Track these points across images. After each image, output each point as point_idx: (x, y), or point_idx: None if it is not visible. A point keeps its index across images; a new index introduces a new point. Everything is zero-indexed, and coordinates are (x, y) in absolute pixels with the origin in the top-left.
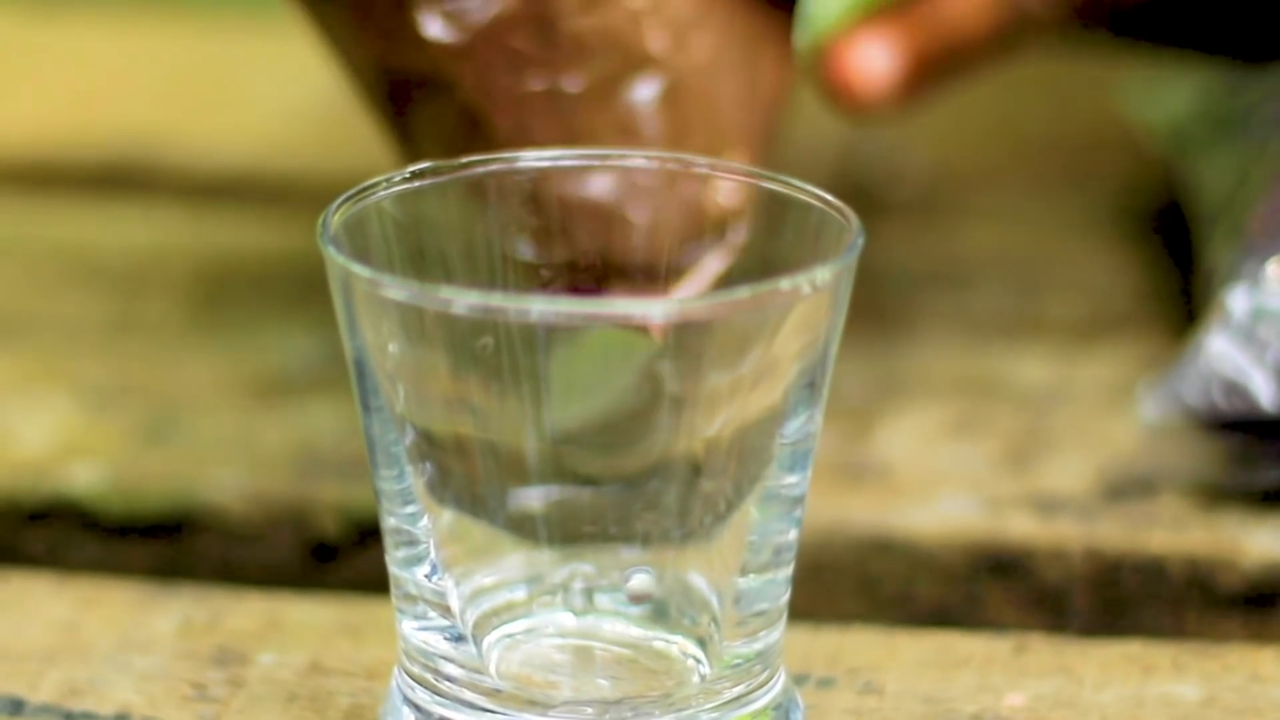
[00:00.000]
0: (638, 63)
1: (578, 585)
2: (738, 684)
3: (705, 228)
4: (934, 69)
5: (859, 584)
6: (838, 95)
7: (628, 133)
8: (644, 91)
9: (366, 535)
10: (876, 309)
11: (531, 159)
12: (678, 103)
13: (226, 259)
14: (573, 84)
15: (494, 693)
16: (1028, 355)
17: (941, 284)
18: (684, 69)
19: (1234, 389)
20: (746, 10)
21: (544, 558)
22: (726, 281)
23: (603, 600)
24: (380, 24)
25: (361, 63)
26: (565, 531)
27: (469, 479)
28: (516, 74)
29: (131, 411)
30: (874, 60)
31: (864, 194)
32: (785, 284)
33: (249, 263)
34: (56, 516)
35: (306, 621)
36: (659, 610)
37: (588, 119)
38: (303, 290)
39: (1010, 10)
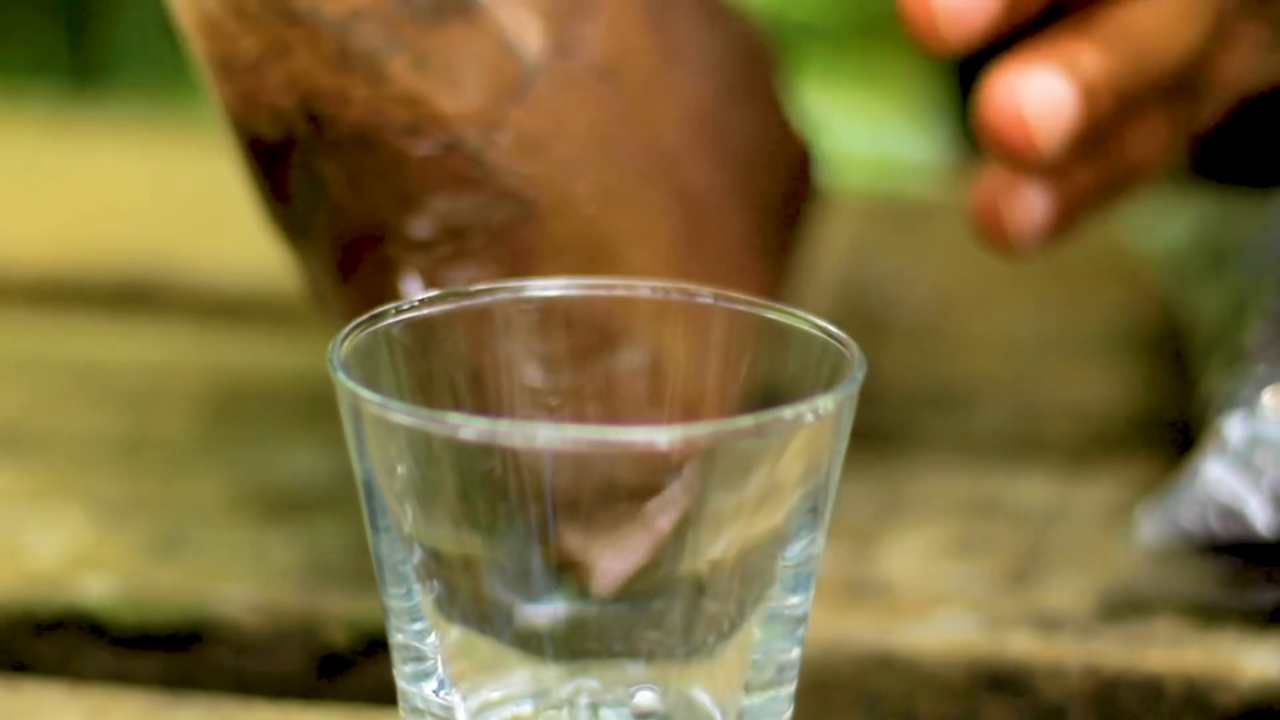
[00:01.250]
0: (619, 337)
1: (583, 701)
2: None
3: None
4: (1104, 201)
5: (861, 700)
6: (995, 237)
7: (603, 397)
8: (624, 362)
9: (375, 647)
10: (878, 430)
11: (539, 287)
12: (648, 337)
13: (238, 376)
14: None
15: None
16: (1027, 477)
17: (942, 406)
18: (666, 343)
19: (1230, 514)
20: (743, 275)
21: (550, 673)
22: (735, 410)
23: (608, 716)
24: (363, 286)
25: (344, 317)
26: (571, 648)
27: (476, 596)
28: None
29: (143, 525)
30: (1033, 209)
31: (866, 318)
32: (789, 413)
33: (260, 380)
34: (69, 627)
35: None
36: None
37: (561, 345)
38: (312, 407)
39: (1185, 131)
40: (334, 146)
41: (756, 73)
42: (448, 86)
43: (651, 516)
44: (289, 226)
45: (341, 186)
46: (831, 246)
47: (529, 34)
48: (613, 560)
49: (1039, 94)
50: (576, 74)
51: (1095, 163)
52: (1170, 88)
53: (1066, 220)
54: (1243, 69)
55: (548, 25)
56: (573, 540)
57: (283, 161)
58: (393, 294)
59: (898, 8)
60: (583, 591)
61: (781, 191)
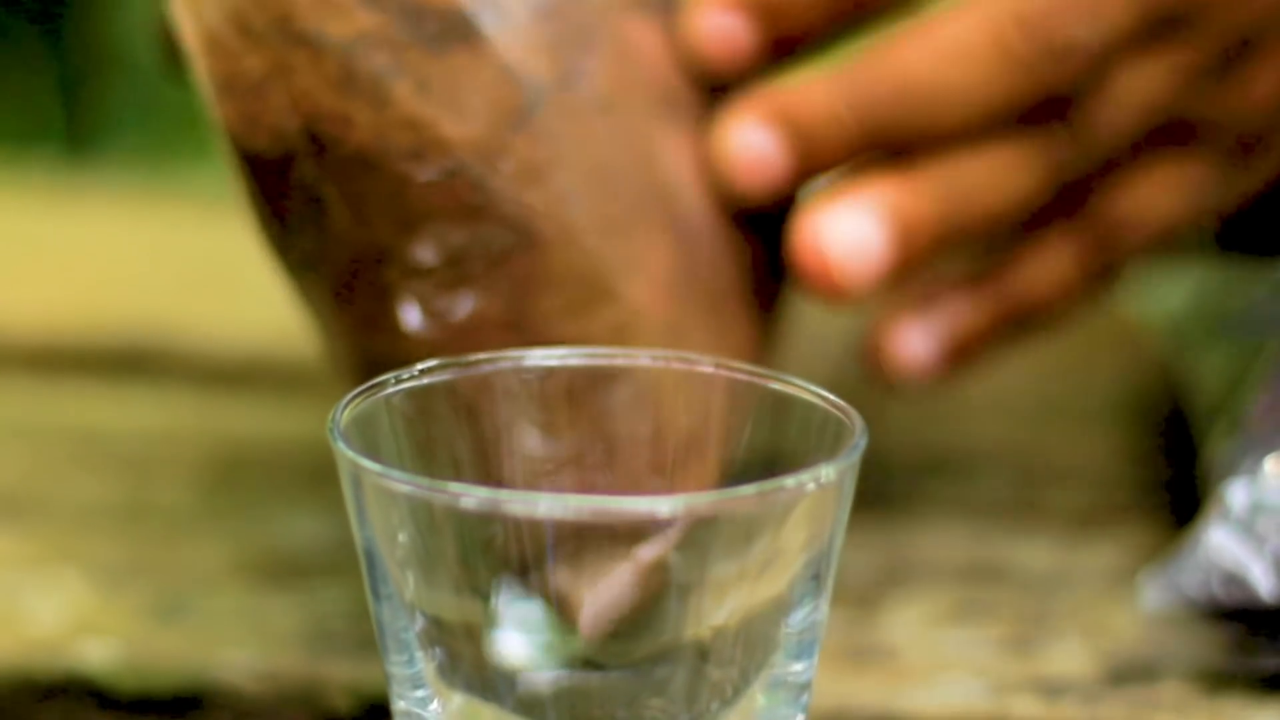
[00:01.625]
0: (619, 406)
1: None
2: None
3: None
4: (1000, 340)
5: None
6: (880, 371)
7: (596, 425)
8: (625, 430)
9: (377, 714)
10: (881, 495)
11: (539, 357)
12: (642, 406)
13: (237, 442)
14: (553, 448)
15: None
16: (1030, 542)
17: (944, 471)
18: (667, 411)
19: (1233, 580)
20: (735, 318)
21: None
22: (736, 477)
23: None
24: (361, 310)
25: (341, 342)
26: (574, 715)
27: (478, 664)
28: None
29: (144, 590)
30: (914, 345)
31: (867, 385)
32: (790, 482)
33: (260, 446)
34: (69, 693)
35: None
36: None
37: (562, 414)
38: (312, 473)
39: (1097, 272)
40: (335, 169)
41: None
42: (451, 112)
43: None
44: (287, 250)
45: (342, 209)
46: (831, 315)
47: (532, 65)
48: (597, 597)
49: (844, 235)
50: (578, 106)
51: (987, 302)
52: (1072, 230)
53: (958, 358)
54: (1163, 209)
55: (551, 57)
56: (561, 580)
57: (283, 183)
58: (391, 319)
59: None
60: (570, 630)
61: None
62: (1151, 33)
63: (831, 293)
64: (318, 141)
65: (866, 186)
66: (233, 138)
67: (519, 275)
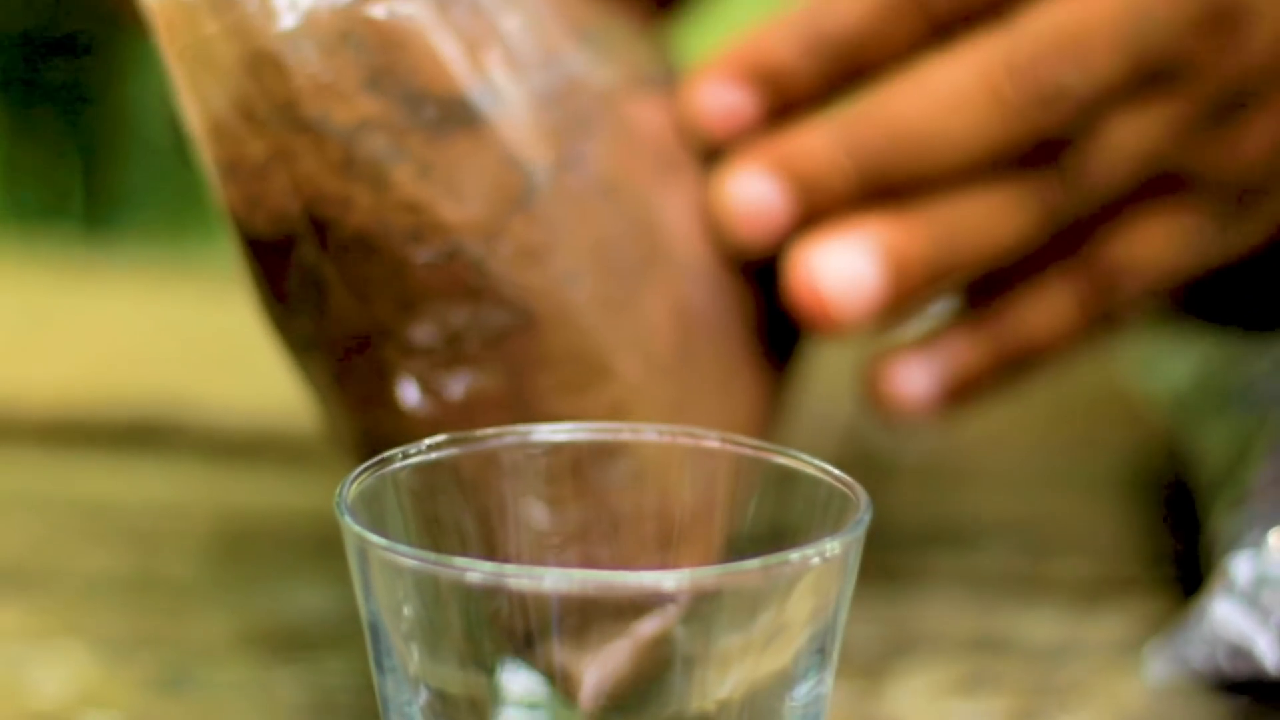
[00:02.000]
0: (625, 480)
1: None
2: None
3: None
4: (999, 380)
5: None
6: (879, 408)
7: (601, 500)
8: (630, 505)
9: None
10: (886, 567)
11: (545, 432)
12: (647, 481)
13: (244, 516)
14: (559, 522)
15: None
16: (1035, 614)
17: (949, 544)
18: (672, 486)
19: (1239, 653)
20: (741, 385)
21: None
22: (741, 552)
23: None
24: (360, 389)
25: (341, 420)
26: None
27: None
28: None
29: (149, 663)
30: (914, 383)
31: (873, 456)
32: (795, 556)
33: (267, 520)
34: None
35: None
36: None
37: (567, 489)
38: (319, 547)
39: (1096, 317)
40: (336, 251)
41: None
42: (451, 196)
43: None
44: (288, 329)
45: (342, 290)
46: (838, 385)
47: (532, 150)
48: (599, 671)
49: (838, 269)
50: (578, 189)
51: (986, 342)
52: (1068, 269)
53: (957, 396)
54: (1160, 257)
55: (550, 142)
56: (565, 655)
57: (285, 264)
58: (390, 397)
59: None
60: (573, 705)
61: (775, 321)
62: (1143, 83)
63: (826, 325)
64: (319, 224)
65: (861, 224)
66: (236, 220)
67: (517, 355)
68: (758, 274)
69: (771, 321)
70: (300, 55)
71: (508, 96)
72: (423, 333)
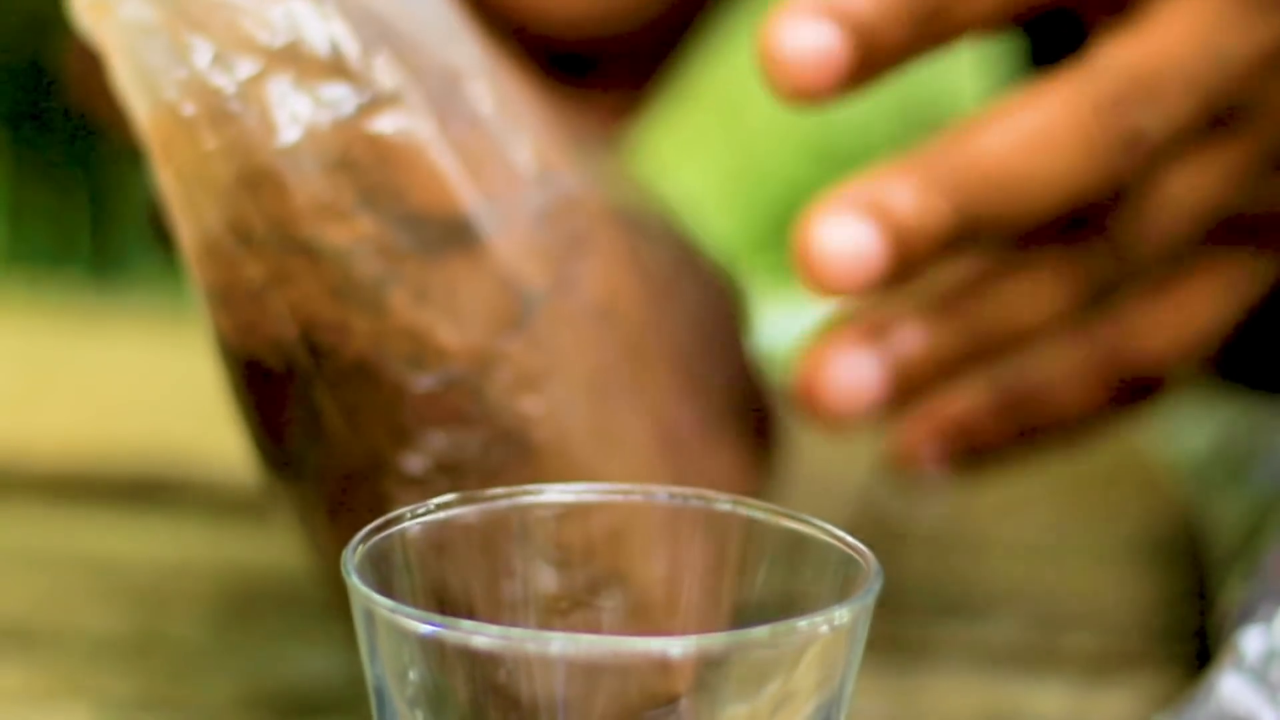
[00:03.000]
0: (634, 543)
1: None
2: None
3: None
4: (1014, 445)
5: None
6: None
7: (617, 604)
8: (639, 569)
9: None
10: (895, 638)
11: (555, 493)
12: (657, 544)
13: (251, 575)
14: (565, 585)
15: None
16: (1044, 687)
17: (959, 615)
18: (682, 549)
19: None
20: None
21: None
22: (749, 618)
23: None
24: (354, 521)
25: (332, 554)
26: None
27: None
28: None
29: None
30: (930, 448)
31: (885, 525)
32: (804, 623)
33: (273, 579)
34: None
35: None
36: None
37: (576, 552)
38: (326, 608)
39: (1118, 391)
40: (333, 378)
41: (728, 320)
42: (448, 320)
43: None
44: (279, 461)
45: (338, 419)
46: (851, 454)
47: (528, 271)
48: None
49: (847, 377)
50: (573, 313)
51: (1003, 412)
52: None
53: (970, 460)
54: (1200, 323)
55: (546, 264)
56: None
57: (279, 393)
58: None
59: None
60: None
61: (752, 439)
62: (1210, 124)
63: (830, 423)
64: (315, 350)
65: (877, 332)
66: (229, 347)
67: (511, 482)
68: (739, 402)
69: (749, 450)
70: (300, 173)
71: (504, 216)
72: (419, 463)
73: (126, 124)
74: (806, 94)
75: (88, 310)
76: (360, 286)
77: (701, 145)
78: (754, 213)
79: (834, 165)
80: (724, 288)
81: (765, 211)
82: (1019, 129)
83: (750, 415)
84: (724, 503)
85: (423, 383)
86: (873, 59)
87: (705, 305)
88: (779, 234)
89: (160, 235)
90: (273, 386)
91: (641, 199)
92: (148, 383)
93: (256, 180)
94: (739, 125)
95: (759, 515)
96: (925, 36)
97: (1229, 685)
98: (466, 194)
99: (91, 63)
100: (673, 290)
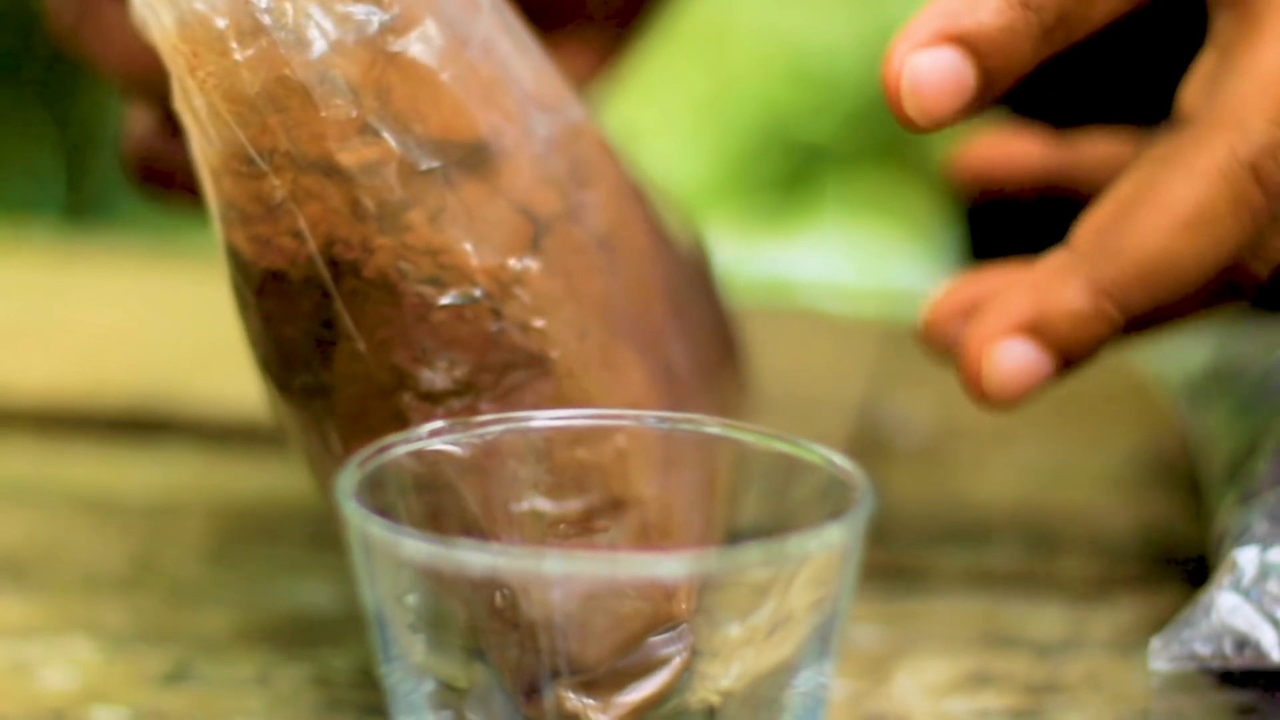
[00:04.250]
0: (627, 466)
1: None
2: None
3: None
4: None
5: None
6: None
7: (610, 527)
8: (632, 491)
9: None
10: (892, 562)
11: (547, 418)
12: (649, 468)
13: (243, 506)
14: (560, 509)
15: None
16: (1042, 609)
17: (957, 540)
18: (660, 441)
19: (1245, 642)
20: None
21: None
22: (743, 540)
23: None
24: (372, 438)
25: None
26: None
27: None
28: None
29: (151, 658)
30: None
31: (880, 448)
32: (797, 543)
33: (266, 509)
34: None
35: None
36: None
37: (568, 475)
38: (320, 533)
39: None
40: (353, 295)
41: (704, 267)
42: (467, 241)
43: (648, 670)
44: (293, 384)
45: (357, 337)
46: (846, 376)
47: (540, 197)
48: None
49: (1011, 362)
50: (582, 240)
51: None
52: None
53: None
54: None
55: (556, 191)
56: (571, 644)
57: (296, 311)
58: None
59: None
60: None
61: (733, 385)
62: None
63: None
64: (336, 266)
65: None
66: (245, 263)
67: (527, 403)
68: (719, 346)
69: (729, 392)
70: (325, 88)
71: (518, 142)
72: (437, 381)
73: (116, 60)
74: (936, 120)
75: (68, 252)
76: (381, 205)
77: (682, 73)
78: (735, 135)
79: (809, 88)
80: (697, 240)
81: (745, 133)
82: (1175, 211)
83: (729, 362)
84: (715, 427)
85: (442, 302)
86: (999, 76)
87: (686, 254)
88: (759, 154)
89: (134, 176)
90: (289, 303)
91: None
92: (135, 317)
93: (283, 94)
94: (718, 53)
95: (750, 439)
96: (1050, 44)
97: (1227, 601)
98: (483, 119)
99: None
100: (663, 230)
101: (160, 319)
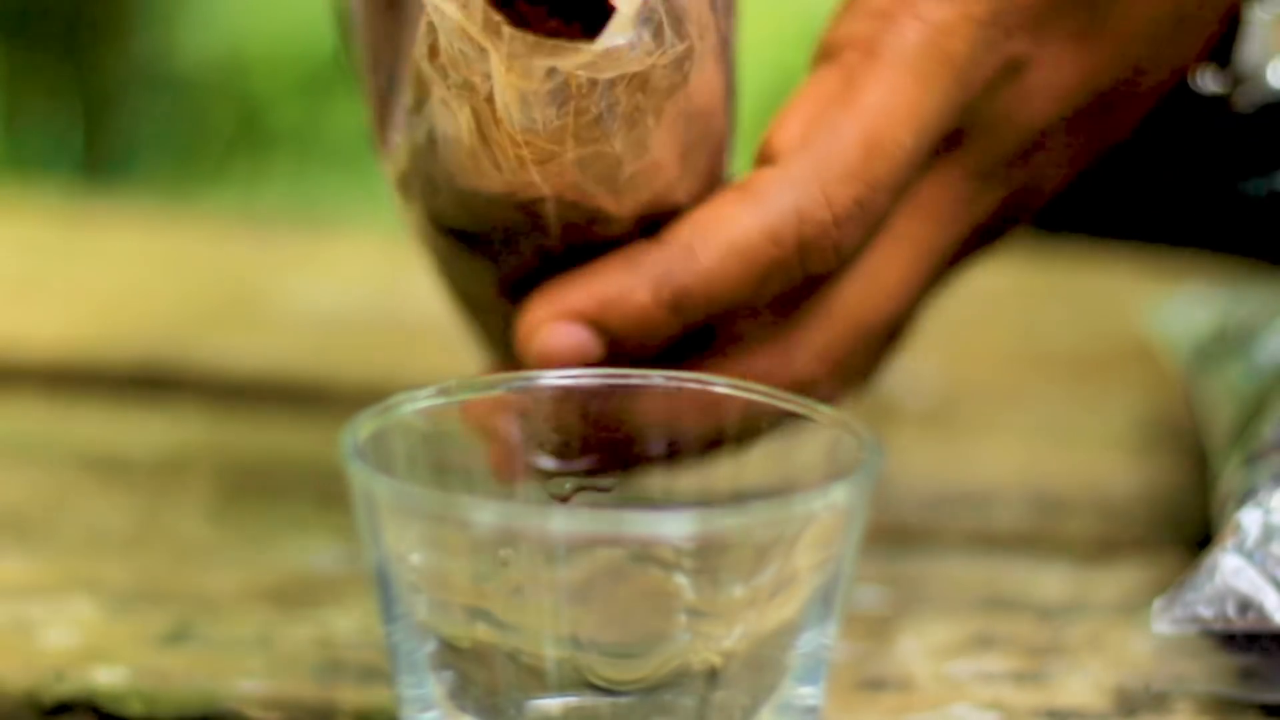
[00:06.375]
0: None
1: None
2: None
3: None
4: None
5: None
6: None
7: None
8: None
9: None
10: (896, 523)
11: (553, 378)
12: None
13: (249, 464)
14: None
15: None
16: (1045, 571)
17: (960, 502)
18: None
19: (1248, 605)
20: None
21: None
22: (745, 498)
23: None
24: None
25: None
26: None
27: (489, 687)
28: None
29: (153, 615)
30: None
31: (885, 408)
32: (802, 503)
33: (271, 467)
34: (78, 718)
35: None
36: None
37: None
38: (325, 494)
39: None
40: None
41: None
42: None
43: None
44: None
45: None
46: None
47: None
48: None
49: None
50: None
51: None
52: None
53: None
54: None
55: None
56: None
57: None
58: None
59: None
60: None
61: None
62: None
63: None
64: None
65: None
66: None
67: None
68: None
69: None
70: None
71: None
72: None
73: None
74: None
75: (83, 208)
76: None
77: None
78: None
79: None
80: None
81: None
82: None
83: None
84: (721, 385)
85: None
86: (629, 353)
87: None
88: (772, 118)
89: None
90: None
91: None
92: (144, 277)
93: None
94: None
95: (756, 397)
96: (684, 329)
97: (1230, 563)
98: None
99: None
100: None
101: (171, 277)
